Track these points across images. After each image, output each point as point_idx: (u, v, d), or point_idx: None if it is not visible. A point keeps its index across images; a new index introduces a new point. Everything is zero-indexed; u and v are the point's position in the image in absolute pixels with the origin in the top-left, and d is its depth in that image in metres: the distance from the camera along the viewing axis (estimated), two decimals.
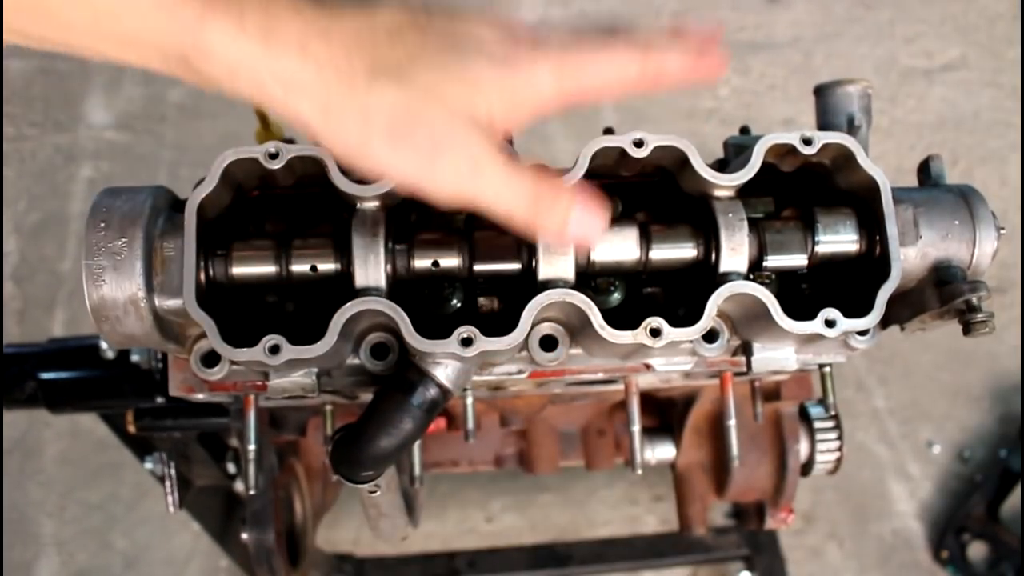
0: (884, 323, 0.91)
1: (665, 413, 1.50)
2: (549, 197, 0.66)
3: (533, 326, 0.77)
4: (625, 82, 0.67)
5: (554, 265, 0.78)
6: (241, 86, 0.61)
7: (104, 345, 1.31)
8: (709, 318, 0.77)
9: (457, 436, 1.42)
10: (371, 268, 0.77)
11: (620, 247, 0.81)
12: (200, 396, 0.91)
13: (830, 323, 0.78)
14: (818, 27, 2.69)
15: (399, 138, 0.62)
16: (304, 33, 0.60)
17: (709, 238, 0.81)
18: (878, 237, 0.81)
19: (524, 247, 0.81)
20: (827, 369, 1.00)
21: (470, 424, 1.02)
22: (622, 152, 0.79)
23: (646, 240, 0.82)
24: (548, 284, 0.78)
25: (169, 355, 0.90)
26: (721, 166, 0.87)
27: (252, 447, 0.93)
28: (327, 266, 0.81)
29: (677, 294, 0.90)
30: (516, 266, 0.82)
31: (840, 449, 1.38)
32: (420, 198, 0.66)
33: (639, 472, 1.00)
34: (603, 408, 1.51)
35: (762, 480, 1.43)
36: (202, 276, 0.78)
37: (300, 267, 0.81)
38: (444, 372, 0.79)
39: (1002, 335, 2.23)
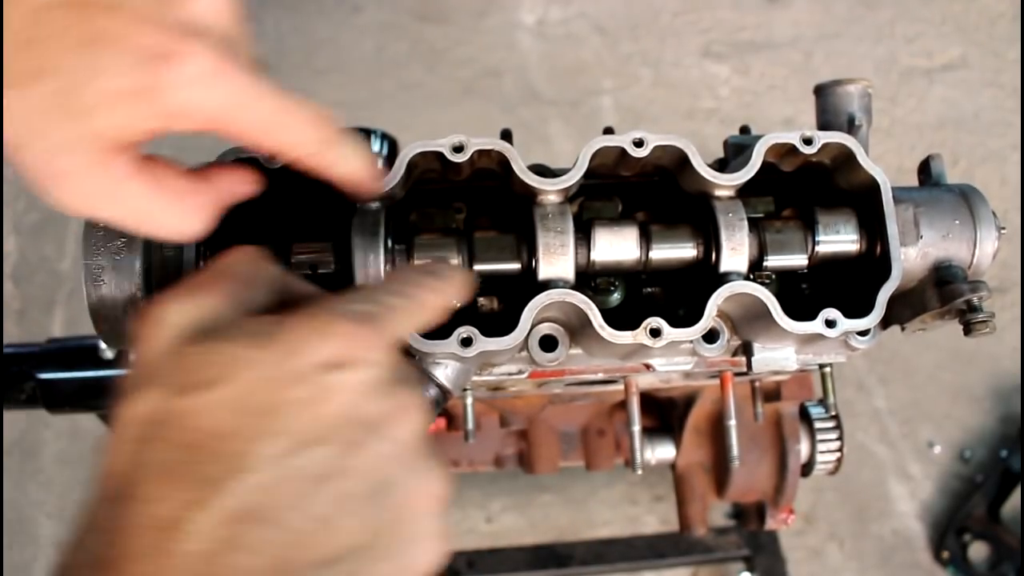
0: (885, 323, 0.91)
1: (665, 413, 1.49)
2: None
3: (533, 326, 0.77)
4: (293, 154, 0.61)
5: (554, 265, 0.78)
6: None
7: (103, 345, 1.31)
8: (709, 318, 0.77)
9: (457, 436, 1.42)
10: (371, 268, 0.77)
11: (620, 247, 0.81)
12: None
13: (830, 323, 0.77)
14: (818, 27, 2.68)
15: (11, 158, 0.56)
16: None
17: (709, 238, 0.81)
18: (878, 237, 0.81)
19: (524, 247, 0.81)
20: (827, 369, 1.00)
21: (470, 424, 1.01)
22: (622, 152, 0.79)
23: (646, 240, 0.82)
24: (548, 284, 0.78)
25: None
26: (721, 166, 0.87)
27: None
28: (326, 266, 0.81)
29: (677, 294, 0.89)
30: (516, 266, 0.82)
31: (840, 449, 1.37)
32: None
33: (639, 472, 1.00)
34: (603, 408, 1.51)
35: (762, 480, 1.42)
36: None
37: (299, 267, 0.81)
38: (444, 372, 0.79)
39: (1003, 335, 2.23)
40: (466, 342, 0.75)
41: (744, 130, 0.97)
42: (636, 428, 0.99)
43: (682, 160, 0.80)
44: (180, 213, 0.61)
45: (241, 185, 0.67)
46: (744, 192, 0.81)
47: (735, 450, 1.04)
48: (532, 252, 0.79)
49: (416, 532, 0.52)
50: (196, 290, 0.53)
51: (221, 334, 0.50)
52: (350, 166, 0.64)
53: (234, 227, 0.83)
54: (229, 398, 0.48)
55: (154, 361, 0.50)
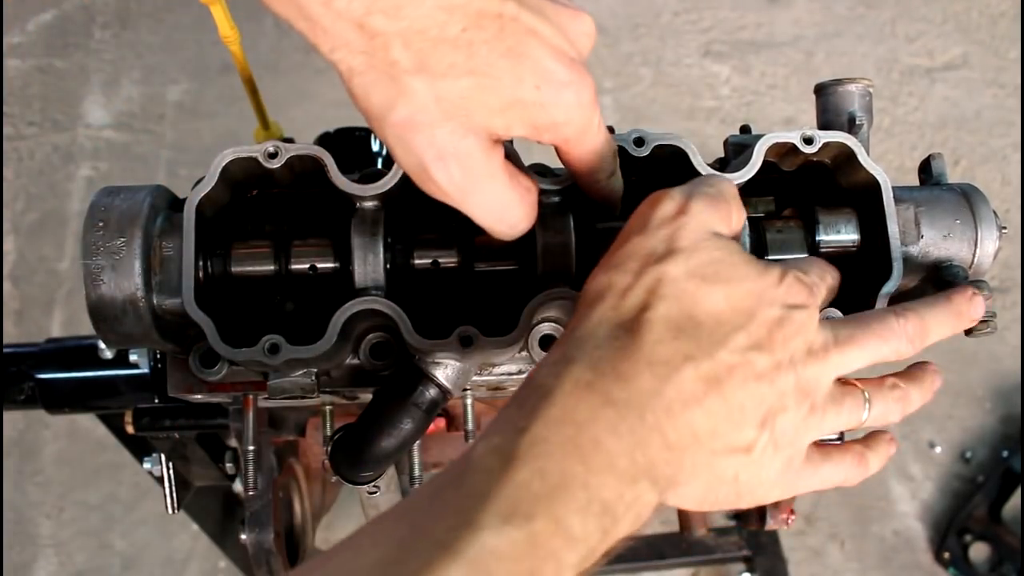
0: None
1: None
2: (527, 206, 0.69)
3: (533, 326, 0.77)
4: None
5: (554, 264, 0.78)
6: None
7: (102, 345, 1.31)
8: None
9: (457, 436, 1.42)
10: (370, 267, 0.77)
11: None
12: (199, 396, 0.90)
13: None
14: (819, 26, 2.68)
15: (402, 135, 0.61)
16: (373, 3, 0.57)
17: None
18: (879, 236, 0.80)
19: (524, 247, 0.81)
20: None
21: (470, 424, 1.01)
22: (622, 151, 0.78)
23: None
24: (547, 284, 0.77)
25: (168, 355, 0.89)
26: (722, 165, 0.87)
27: (251, 448, 0.93)
28: (326, 265, 0.81)
29: None
30: (516, 266, 0.81)
31: None
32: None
33: None
34: None
35: None
36: (201, 276, 0.77)
37: (299, 267, 0.81)
38: (444, 372, 0.78)
39: (1004, 335, 2.23)
40: (466, 341, 0.75)
41: (744, 129, 0.97)
42: None
43: (682, 159, 0.79)
44: (525, 208, 0.69)
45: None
46: (745, 191, 0.81)
47: None
48: (532, 251, 0.79)
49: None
50: (717, 203, 0.67)
51: (732, 249, 0.65)
52: (614, 193, 0.76)
53: (234, 225, 0.83)
54: (728, 294, 0.62)
55: (683, 239, 0.64)
